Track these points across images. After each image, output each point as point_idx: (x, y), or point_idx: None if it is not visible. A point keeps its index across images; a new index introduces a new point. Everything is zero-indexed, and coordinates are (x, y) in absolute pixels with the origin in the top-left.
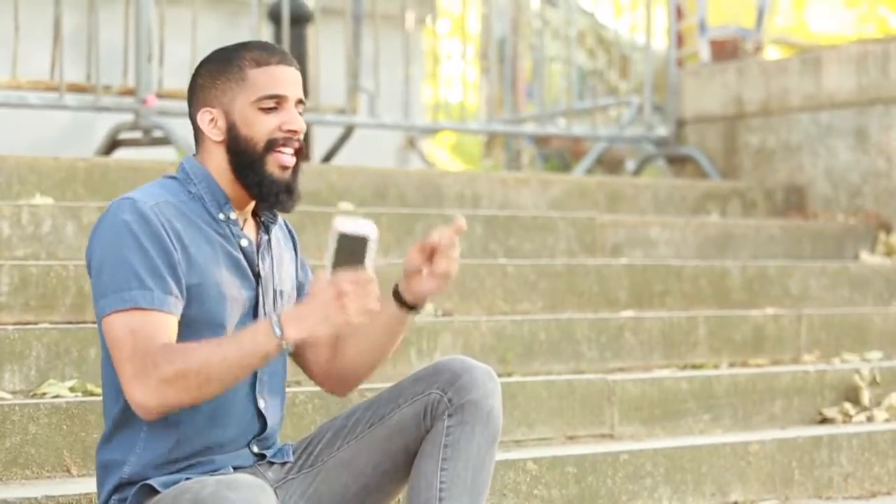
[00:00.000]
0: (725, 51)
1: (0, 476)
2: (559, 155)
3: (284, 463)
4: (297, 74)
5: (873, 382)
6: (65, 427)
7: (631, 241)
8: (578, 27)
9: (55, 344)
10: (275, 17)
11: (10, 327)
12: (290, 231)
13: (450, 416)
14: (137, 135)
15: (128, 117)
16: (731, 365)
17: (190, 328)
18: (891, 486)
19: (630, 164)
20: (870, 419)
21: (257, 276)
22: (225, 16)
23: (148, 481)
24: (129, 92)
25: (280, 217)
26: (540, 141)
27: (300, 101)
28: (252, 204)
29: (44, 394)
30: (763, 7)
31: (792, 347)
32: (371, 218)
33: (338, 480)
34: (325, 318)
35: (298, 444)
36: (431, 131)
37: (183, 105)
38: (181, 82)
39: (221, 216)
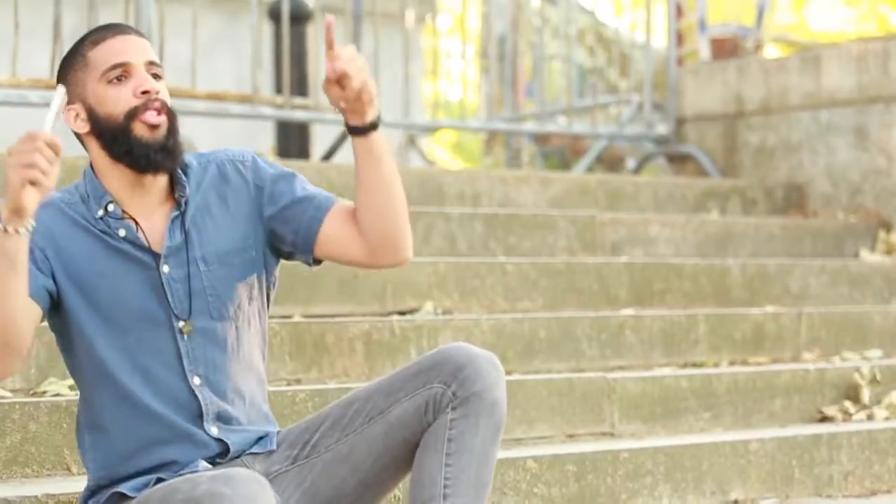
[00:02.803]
0: (725, 49)
1: (0, 474)
2: (559, 153)
3: (271, 452)
4: (140, 41)
5: (873, 381)
6: (65, 425)
7: (631, 240)
8: (578, 25)
9: (55, 342)
10: (275, 15)
11: None
12: (235, 162)
13: (454, 409)
14: None
15: None
16: (732, 363)
17: (97, 317)
18: (891, 485)
19: (630, 163)
20: (870, 417)
21: (153, 253)
22: (225, 14)
23: (117, 488)
24: None
25: (221, 156)
26: (540, 139)
27: (152, 64)
28: (154, 181)
29: (44, 392)
30: (763, 5)
31: (792, 346)
32: None
33: (335, 474)
34: (11, 184)
35: (290, 431)
36: (431, 129)
37: (183, 103)
38: (181, 81)
39: (101, 212)
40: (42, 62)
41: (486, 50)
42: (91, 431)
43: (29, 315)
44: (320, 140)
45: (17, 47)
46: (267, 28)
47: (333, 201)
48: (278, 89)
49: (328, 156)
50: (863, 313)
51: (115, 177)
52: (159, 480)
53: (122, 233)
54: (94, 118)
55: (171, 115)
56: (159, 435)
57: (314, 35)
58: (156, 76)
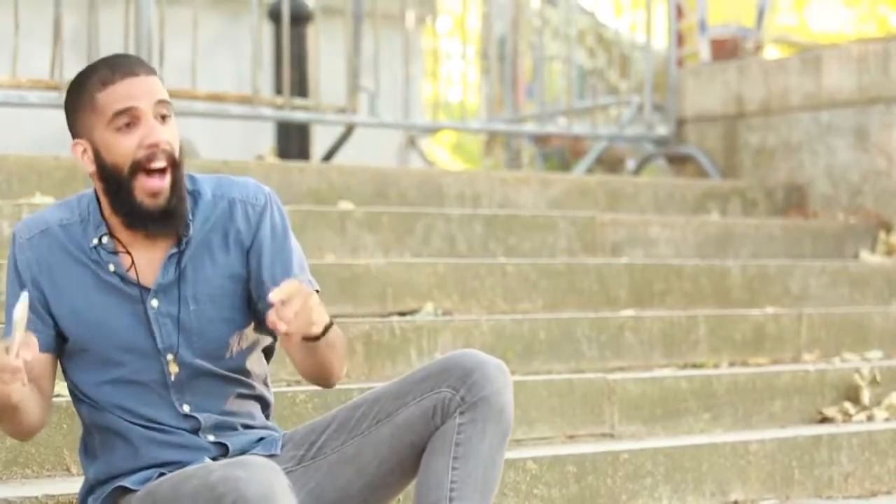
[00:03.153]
0: (726, 50)
1: (0, 475)
2: (559, 154)
3: (272, 455)
4: (149, 80)
5: (873, 381)
6: (65, 426)
7: (631, 241)
8: (579, 26)
9: None
10: (275, 16)
11: None
12: (238, 209)
13: (461, 413)
14: None
15: None
16: (732, 364)
17: (84, 354)
18: (891, 486)
19: (630, 164)
20: (870, 418)
21: (141, 288)
22: (225, 15)
23: (119, 482)
24: None
25: (237, 194)
26: (540, 140)
27: (161, 103)
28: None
29: None
30: (763, 6)
31: (792, 346)
32: (371, 217)
33: (341, 476)
34: None
35: (295, 433)
36: (432, 130)
37: (183, 104)
38: (181, 82)
39: (95, 241)
40: (42, 63)
41: (486, 51)
42: (91, 439)
43: (46, 388)
44: (320, 140)
45: (17, 48)
46: (267, 29)
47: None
48: (278, 90)
49: (328, 156)
50: (863, 314)
51: (114, 216)
52: (161, 475)
53: (111, 267)
54: (99, 162)
55: (175, 169)
56: (160, 450)
57: (314, 36)
58: (164, 117)
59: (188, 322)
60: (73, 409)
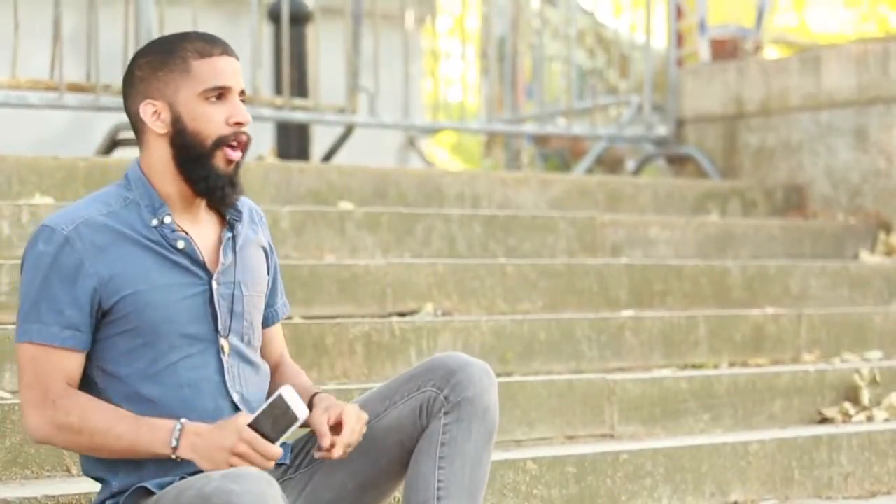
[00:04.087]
0: (725, 50)
1: (0, 476)
2: (559, 154)
3: (280, 464)
4: (239, 65)
5: (873, 382)
6: None
7: (631, 241)
8: (578, 26)
9: None
10: (274, 16)
11: (9, 327)
12: (256, 212)
13: (446, 413)
14: None
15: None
16: (731, 364)
17: (139, 336)
18: (891, 486)
19: (630, 164)
20: (869, 419)
21: (208, 272)
22: (225, 15)
23: (143, 484)
24: None
25: (247, 202)
26: (540, 140)
27: (242, 93)
28: (202, 199)
29: None
30: (763, 6)
31: (792, 347)
32: (371, 217)
33: (334, 478)
34: (214, 460)
35: (295, 443)
36: (431, 131)
37: None
38: None
39: (155, 221)
40: (42, 63)
41: (485, 51)
42: None
43: None
44: (320, 141)
45: (17, 48)
46: (267, 29)
47: (285, 314)
48: (278, 90)
49: (328, 156)
50: (863, 315)
51: (172, 184)
52: (181, 479)
53: (180, 245)
54: (178, 127)
55: (244, 151)
56: None
57: (314, 36)
58: (243, 102)
59: (240, 307)
60: None
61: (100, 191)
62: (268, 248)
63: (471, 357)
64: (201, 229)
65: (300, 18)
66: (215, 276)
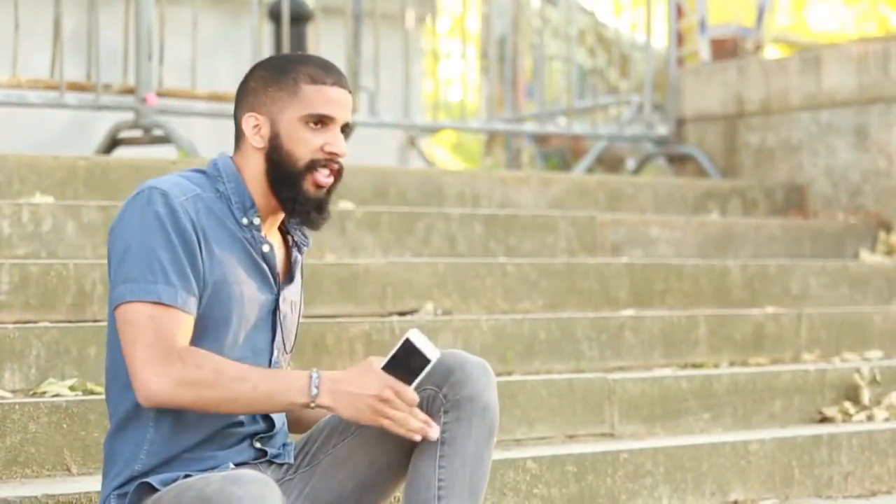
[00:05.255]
0: (725, 50)
1: (0, 475)
2: (559, 154)
3: (283, 464)
4: (349, 99)
5: (873, 381)
6: (65, 426)
7: (631, 240)
8: (579, 26)
9: (55, 343)
10: (275, 16)
11: (10, 326)
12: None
13: (446, 412)
14: (137, 133)
15: (128, 116)
16: (732, 364)
17: (212, 322)
18: (891, 485)
19: (630, 163)
20: (870, 418)
21: (278, 282)
22: (225, 15)
23: (146, 479)
24: (130, 91)
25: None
26: (540, 140)
27: (346, 126)
28: (280, 215)
29: (44, 392)
30: (763, 6)
31: (792, 346)
32: (371, 217)
33: (334, 478)
34: (356, 408)
35: (294, 444)
36: (432, 130)
37: (183, 103)
38: (181, 81)
39: (245, 220)
40: (42, 63)
41: (486, 50)
42: (156, 423)
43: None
44: None
45: (17, 47)
46: (267, 28)
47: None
48: None
49: None
50: (863, 314)
51: (263, 195)
52: (186, 477)
53: (265, 248)
54: (274, 144)
55: (338, 179)
56: (225, 433)
57: (314, 36)
58: (345, 134)
59: (287, 325)
60: (74, 410)
61: (180, 173)
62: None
63: (469, 354)
64: (275, 243)
65: (300, 18)
66: (283, 291)
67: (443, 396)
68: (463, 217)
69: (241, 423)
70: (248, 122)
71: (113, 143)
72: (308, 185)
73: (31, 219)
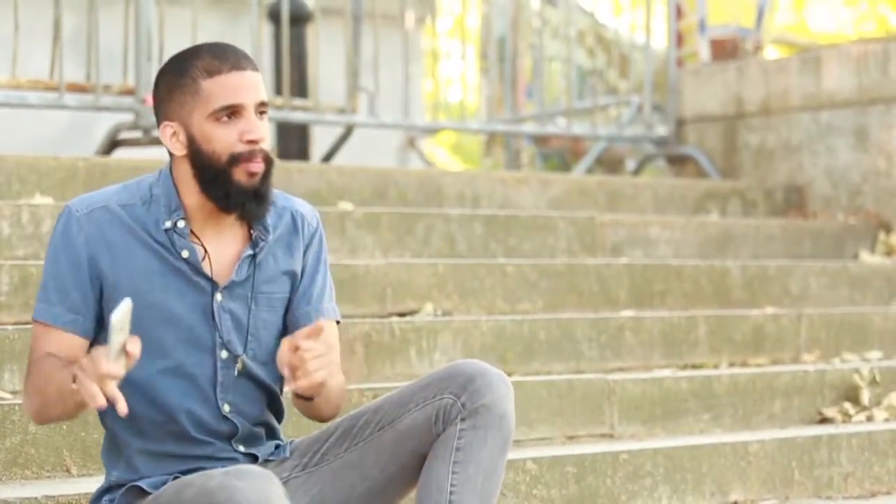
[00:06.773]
0: (725, 50)
1: (0, 476)
2: (559, 154)
3: (284, 460)
4: (254, 76)
5: (873, 382)
6: (65, 427)
7: (631, 241)
8: (578, 26)
9: None
10: (275, 16)
11: (9, 327)
12: (306, 221)
13: (462, 420)
14: (137, 134)
15: (128, 117)
16: (731, 364)
17: (137, 333)
18: (890, 486)
19: (630, 164)
20: (869, 419)
21: (214, 283)
22: (225, 15)
23: (136, 483)
24: (129, 92)
25: (299, 207)
26: (540, 140)
27: (262, 104)
28: (229, 214)
29: None
30: (763, 6)
31: (792, 347)
32: (371, 217)
33: (344, 482)
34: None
35: (301, 441)
36: (431, 131)
37: None
38: None
39: (168, 224)
40: (42, 63)
41: (485, 51)
42: (123, 433)
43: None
44: (320, 141)
45: (17, 48)
46: (267, 29)
47: (328, 317)
48: (278, 90)
49: (328, 157)
50: (863, 315)
51: (195, 198)
52: (176, 477)
53: (184, 254)
54: (194, 149)
55: (270, 163)
56: (191, 451)
57: (314, 36)
58: (262, 114)
59: (248, 323)
60: None
61: (137, 178)
62: (303, 261)
63: (489, 365)
64: (224, 241)
65: (300, 18)
66: (220, 289)
67: (461, 405)
68: (463, 218)
69: (200, 424)
70: (165, 132)
71: (113, 145)
72: (240, 177)
73: (31, 219)
